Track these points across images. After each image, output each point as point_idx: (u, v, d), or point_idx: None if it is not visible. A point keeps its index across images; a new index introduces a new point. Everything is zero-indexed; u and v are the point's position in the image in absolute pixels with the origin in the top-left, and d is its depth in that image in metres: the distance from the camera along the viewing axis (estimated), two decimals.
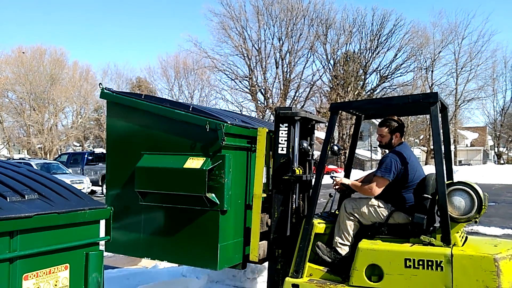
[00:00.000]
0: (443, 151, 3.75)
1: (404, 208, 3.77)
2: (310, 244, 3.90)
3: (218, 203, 3.89)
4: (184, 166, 3.94)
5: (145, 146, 4.30)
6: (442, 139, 3.59)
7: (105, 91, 4.53)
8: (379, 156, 41.23)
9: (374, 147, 42.39)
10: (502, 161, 49.61)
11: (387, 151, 4.04)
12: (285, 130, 4.11)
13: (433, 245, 3.45)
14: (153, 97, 4.40)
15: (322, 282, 3.78)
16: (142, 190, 4.17)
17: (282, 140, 4.12)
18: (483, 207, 3.43)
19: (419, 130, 45.62)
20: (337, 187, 4.19)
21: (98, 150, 36.12)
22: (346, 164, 4.73)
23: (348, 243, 3.86)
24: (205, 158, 3.93)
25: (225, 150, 3.92)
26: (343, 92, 34.72)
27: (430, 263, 3.39)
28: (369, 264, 3.59)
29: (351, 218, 3.88)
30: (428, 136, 42.80)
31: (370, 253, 3.61)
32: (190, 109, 4.08)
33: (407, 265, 3.45)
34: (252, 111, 37.92)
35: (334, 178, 4.17)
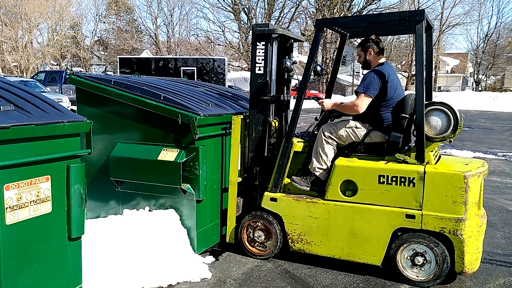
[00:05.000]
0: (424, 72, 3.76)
1: (382, 127, 3.84)
2: (289, 161, 3.99)
3: (194, 193, 3.88)
4: (158, 158, 3.90)
5: (117, 135, 4.19)
6: (424, 59, 3.58)
7: (73, 76, 4.29)
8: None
9: (357, 72, 42.21)
10: (480, 88, 50.30)
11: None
12: (262, 49, 4.00)
13: (407, 162, 3.58)
14: (123, 83, 4.15)
15: (299, 196, 3.93)
16: (118, 179, 4.15)
17: (259, 60, 4.02)
18: (458, 127, 3.52)
19: (402, 55, 45.36)
20: (323, 109, 4.17)
21: (76, 69, 35.06)
22: (328, 85, 4.71)
23: (326, 167, 3.91)
24: (178, 150, 3.87)
25: (198, 141, 3.84)
26: (329, 13, 33.76)
27: (403, 180, 3.53)
28: (344, 180, 3.73)
29: (329, 141, 3.92)
30: (410, 62, 42.63)
31: (346, 169, 3.73)
32: (162, 99, 3.92)
33: (381, 181, 3.60)
34: (235, 31, 36.85)
35: (319, 102, 4.13)
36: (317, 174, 3.94)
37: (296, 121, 3.93)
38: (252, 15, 36.60)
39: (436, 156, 3.79)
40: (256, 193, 4.16)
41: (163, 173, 3.90)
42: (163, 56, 32.96)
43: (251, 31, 3.94)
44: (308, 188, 3.94)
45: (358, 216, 3.67)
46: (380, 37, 4.03)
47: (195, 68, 23.67)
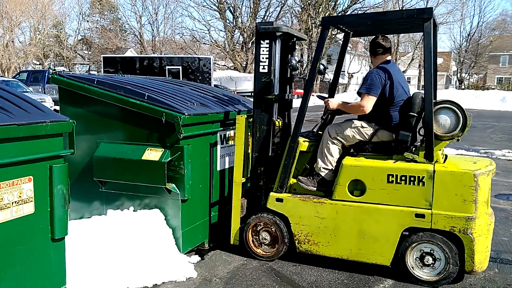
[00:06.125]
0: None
1: (389, 126, 3.80)
2: (295, 161, 3.93)
3: (179, 193, 3.82)
4: (143, 158, 3.83)
5: (101, 134, 4.11)
6: (432, 57, 3.55)
7: (56, 76, 4.20)
8: (345, 81, 41.44)
9: (342, 71, 42.32)
10: (463, 87, 51.08)
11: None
12: (266, 47, 3.94)
13: (416, 161, 3.54)
14: (106, 82, 4.09)
15: (306, 196, 3.87)
16: (101, 179, 4.07)
17: (263, 58, 3.97)
18: (467, 126, 3.50)
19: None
20: (329, 109, 4.11)
21: (59, 69, 34.48)
22: (330, 84, 4.67)
23: (331, 167, 3.86)
24: (163, 150, 3.82)
25: (183, 141, 3.78)
26: (314, 13, 33.82)
27: (412, 179, 3.50)
28: (352, 180, 3.68)
29: (335, 142, 3.87)
30: (396, 60, 42.91)
31: (354, 169, 3.69)
32: (146, 98, 3.86)
33: (390, 180, 3.56)
34: (221, 30, 36.74)
35: (325, 101, 4.08)
36: (322, 174, 3.89)
37: (302, 120, 3.87)
38: (237, 14, 36.52)
39: (443, 155, 3.77)
40: (261, 194, 4.09)
41: (147, 173, 3.84)
42: (147, 55, 32.63)
43: (255, 30, 3.87)
44: (315, 188, 3.88)
45: (367, 216, 3.63)
46: (387, 36, 3.99)
47: (180, 67, 23.46)
